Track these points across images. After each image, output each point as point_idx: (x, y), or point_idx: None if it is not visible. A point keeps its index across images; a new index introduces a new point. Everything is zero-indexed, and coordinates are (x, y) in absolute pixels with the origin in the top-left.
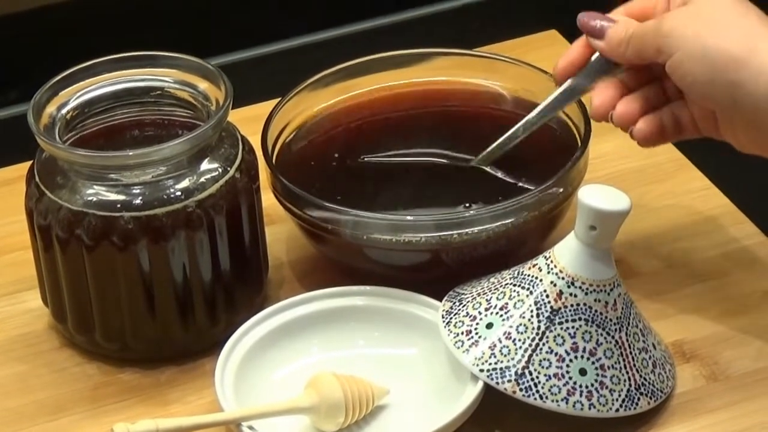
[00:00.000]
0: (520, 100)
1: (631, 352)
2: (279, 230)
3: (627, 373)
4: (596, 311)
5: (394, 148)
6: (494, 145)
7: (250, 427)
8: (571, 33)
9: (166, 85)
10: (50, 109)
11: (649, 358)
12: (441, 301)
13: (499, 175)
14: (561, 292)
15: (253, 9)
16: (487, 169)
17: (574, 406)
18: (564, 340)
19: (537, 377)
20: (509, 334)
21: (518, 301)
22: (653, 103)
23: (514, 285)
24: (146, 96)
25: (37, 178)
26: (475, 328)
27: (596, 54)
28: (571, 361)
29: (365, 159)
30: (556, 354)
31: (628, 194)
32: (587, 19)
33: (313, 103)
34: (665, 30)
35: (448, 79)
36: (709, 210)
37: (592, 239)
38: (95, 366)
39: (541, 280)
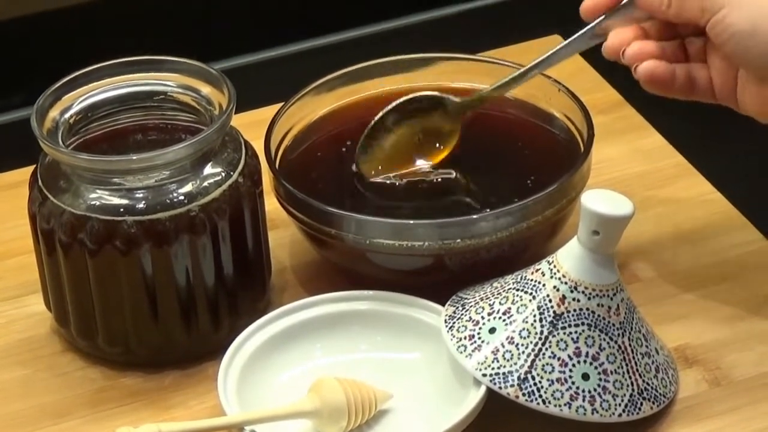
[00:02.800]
0: (523, 104)
1: (633, 357)
2: (282, 235)
3: (630, 377)
4: (599, 316)
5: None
6: (504, 80)
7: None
8: None
9: (169, 90)
10: (53, 113)
11: (652, 362)
12: (444, 305)
13: (503, 179)
14: (564, 297)
15: (256, 13)
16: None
17: (576, 410)
18: (567, 345)
19: (540, 382)
20: (512, 338)
21: (521, 305)
22: (670, 57)
23: (517, 290)
24: (149, 100)
25: (40, 182)
26: (478, 333)
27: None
28: (574, 365)
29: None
30: (558, 359)
31: (631, 199)
32: None
33: (317, 107)
34: None
35: (452, 84)
36: (711, 215)
37: (595, 244)
38: (98, 370)
39: (544, 285)
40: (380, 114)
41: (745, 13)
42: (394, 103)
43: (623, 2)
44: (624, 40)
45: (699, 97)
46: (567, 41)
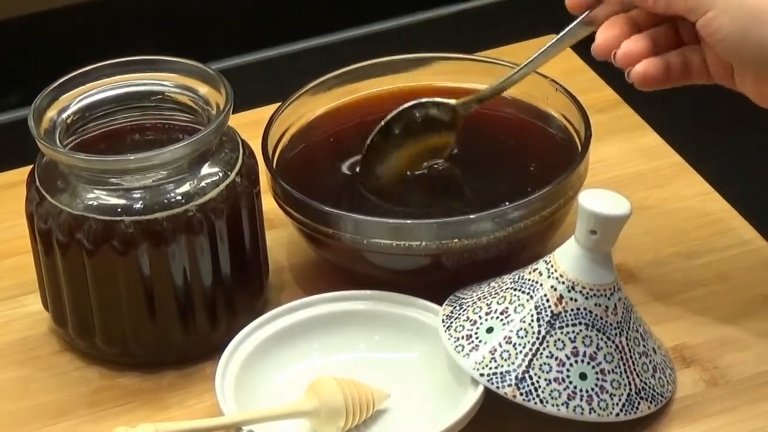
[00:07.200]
0: (520, 104)
1: (631, 357)
2: (279, 234)
3: (627, 377)
4: (596, 316)
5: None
6: (497, 83)
7: (251, 431)
8: None
9: (166, 90)
10: (51, 113)
11: (650, 362)
12: (441, 305)
13: (500, 179)
14: (561, 297)
15: (254, 13)
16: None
17: (574, 410)
18: (564, 345)
19: (537, 381)
20: (510, 338)
21: (519, 305)
22: (662, 45)
23: (515, 289)
24: (147, 100)
25: (37, 183)
26: (476, 333)
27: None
28: (571, 365)
29: (365, 163)
30: (556, 358)
31: (629, 199)
32: None
33: (314, 107)
34: None
35: (449, 84)
36: (709, 214)
37: (592, 244)
38: (95, 370)
39: (541, 285)
40: (375, 130)
41: (733, 19)
42: (389, 116)
43: None
44: (613, 39)
45: (695, 80)
46: (559, 35)
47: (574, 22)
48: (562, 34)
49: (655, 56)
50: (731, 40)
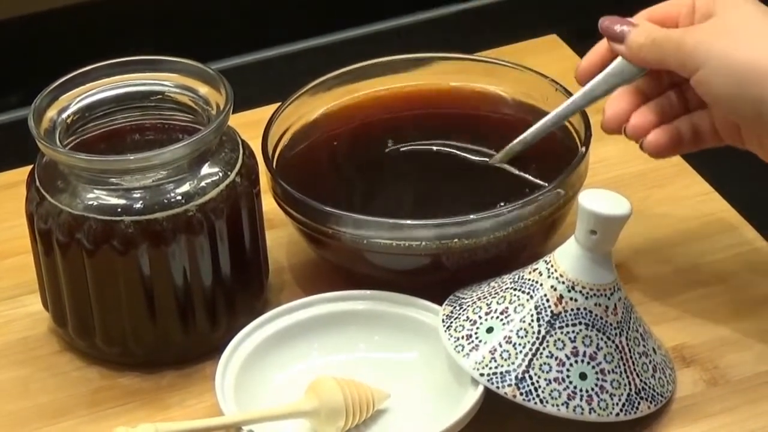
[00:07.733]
0: (520, 104)
1: (631, 357)
2: (279, 234)
3: (627, 377)
4: (596, 315)
5: (395, 153)
6: (507, 147)
7: (251, 431)
8: (572, 38)
9: (166, 90)
10: (51, 113)
11: (650, 362)
12: (441, 305)
13: (500, 179)
14: (561, 297)
15: (254, 13)
16: (499, 165)
17: (574, 410)
18: (564, 345)
19: (537, 381)
20: (509, 338)
21: (519, 305)
22: (670, 113)
23: (515, 289)
24: (147, 100)
25: (37, 183)
26: (476, 333)
27: (618, 58)
28: (571, 365)
29: (366, 163)
30: (556, 358)
31: (629, 199)
32: (609, 23)
33: (314, 107)
34: (689, 46)
35: (449, 84)
36: (709, 215)
37: (592, 243)
38: (95, 370)
39: (541, 285)
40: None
41: (726, 77)
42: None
43: (614, 62)
44: (620, 114)
45: (707, 145)
46: (571, 98)
47: (579, 92)
48: (569, 102)
49: (664, 125)
50: (725, 98)
